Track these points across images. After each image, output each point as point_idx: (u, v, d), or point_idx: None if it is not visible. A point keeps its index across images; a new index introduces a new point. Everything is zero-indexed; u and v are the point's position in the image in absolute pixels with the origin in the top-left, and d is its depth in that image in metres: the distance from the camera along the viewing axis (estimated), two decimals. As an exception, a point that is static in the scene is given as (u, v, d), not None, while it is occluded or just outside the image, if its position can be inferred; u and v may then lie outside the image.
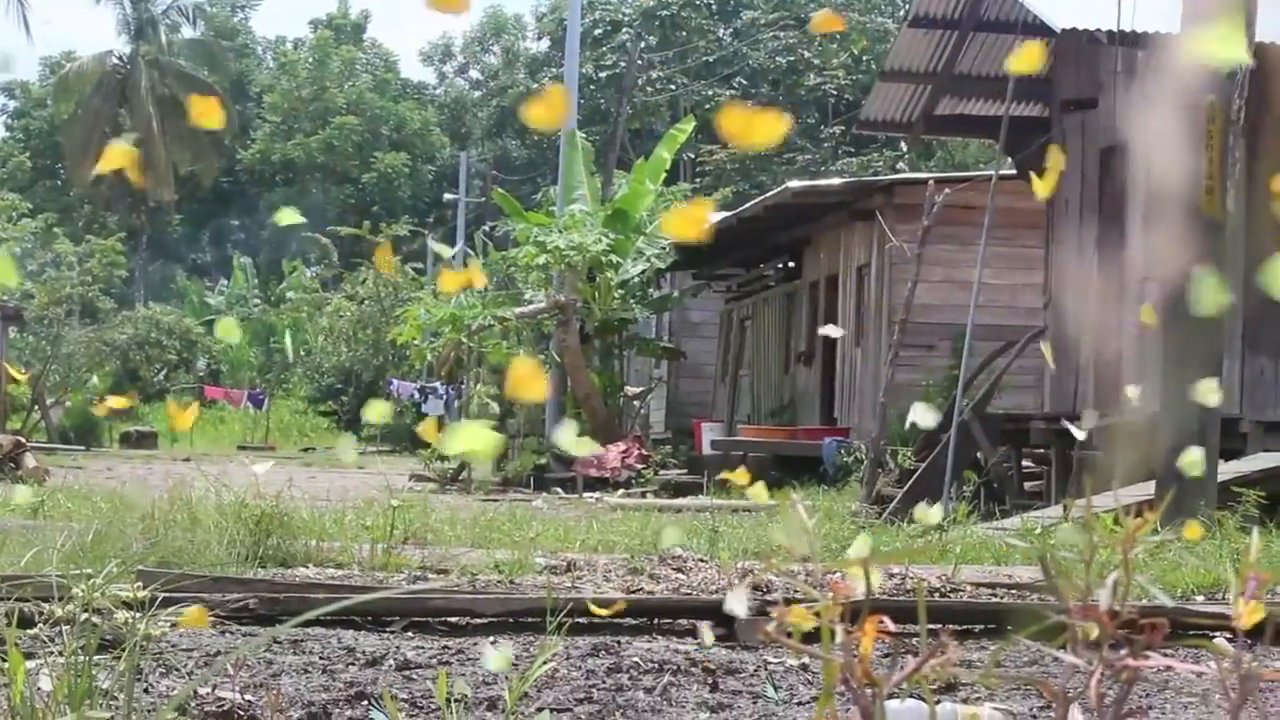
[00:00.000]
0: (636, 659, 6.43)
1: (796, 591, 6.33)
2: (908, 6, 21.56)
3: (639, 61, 54.22)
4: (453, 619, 7.42)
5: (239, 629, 7.01)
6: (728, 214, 30.23)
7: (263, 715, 5.06)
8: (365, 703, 5.36)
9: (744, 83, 62.74)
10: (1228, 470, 14.21)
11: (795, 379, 29.20)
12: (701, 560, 9.79)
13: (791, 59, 61.47)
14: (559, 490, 24.21)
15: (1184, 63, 13.38)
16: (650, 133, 57.18)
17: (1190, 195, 13.37)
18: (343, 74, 77.23)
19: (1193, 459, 2.49)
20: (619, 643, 6.95)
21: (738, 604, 2.41)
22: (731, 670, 6.27)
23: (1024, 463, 20.07)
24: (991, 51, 21.17)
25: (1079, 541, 2.39)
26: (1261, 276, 2.11)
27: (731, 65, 62.79)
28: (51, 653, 5.28)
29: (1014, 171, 20.96)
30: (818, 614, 2.36)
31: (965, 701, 5.45)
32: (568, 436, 2.21)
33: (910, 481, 17.23)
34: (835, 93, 60.37)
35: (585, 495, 23.02)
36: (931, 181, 19.04)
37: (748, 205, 28.10)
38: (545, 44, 71.14)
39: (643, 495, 22.72)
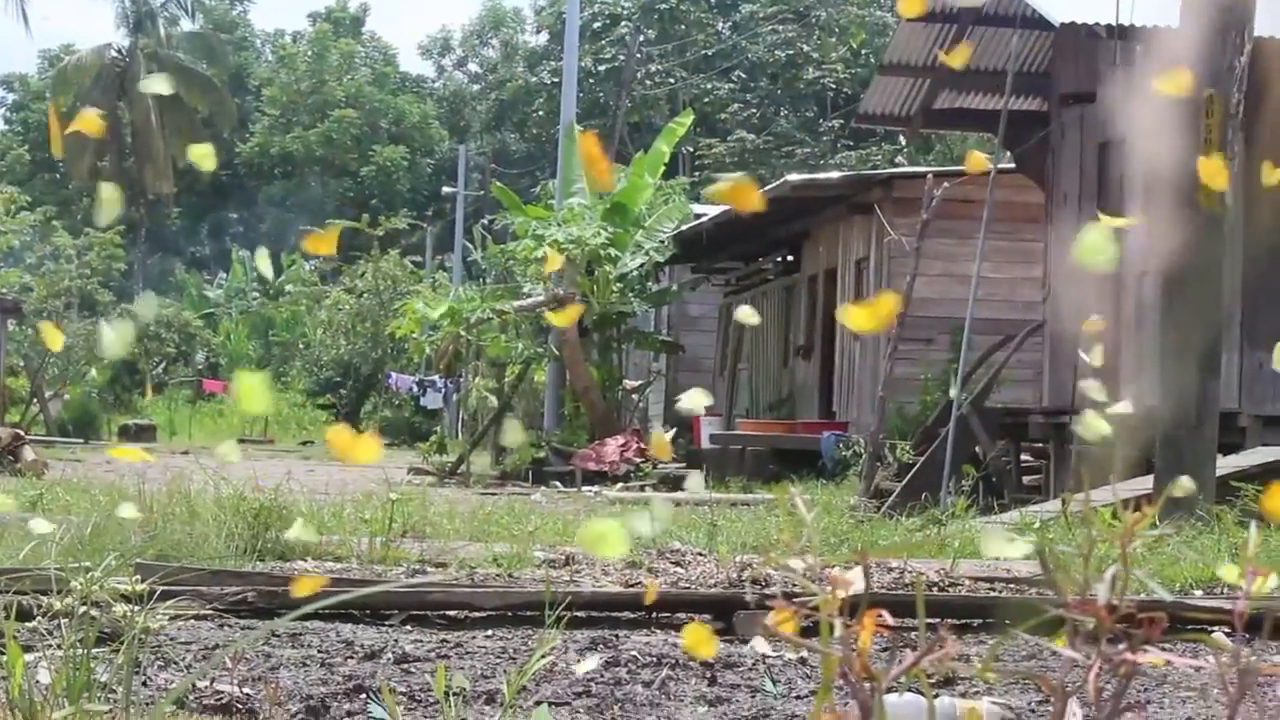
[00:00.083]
0: (635, 653, 6.43)
1: (795, 586, 6.34)
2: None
3: (638, 55, 54.23)
4: (451, 612, 7.42)
5: (237, 622, 7.01)
6: (726, 207, 30.21)
7: (261, 708, 5.06)
8: (364, 696, 5.35)
9: (743, 76, 62.69)
10: (1226, 464, 14.20)
11: (794, 373, 29.19)
12: (700, 554, 9.79)
13: (790, 52, 61.41)
14: (557, 484, 24.22)
15: (1183, 57, 13.37)
16: (649, 126, 57.12)
17: (1188, 189, 13.36)
18: (341, 67, 77.19)
19: (1091, 423, 2.50)
20: (617, 636, 6.95)
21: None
22: (730, 664, 6.27)
23: (1022, 457, 20.07)
24: (991, 46, 21.15)
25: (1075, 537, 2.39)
26: (1075, 248, 2.13)
27: (730, 59, 62.73)
28: (50, 646, 5.28)
29: (1013, 165, 20.97)
30: (816, 608, 2.36)
31: (964, 695, 5.45)
32: (514, 437, 2.25)
33: (909, 475, 17.23)
34: (834, 86, 60.31)
35: (584, 489, 23.02)
36: (930, 175, 19.03)
37: (747, 199, 28.05)
38: (544, 37, 71.05)
39: (641, 489, 22.72)
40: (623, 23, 62.21)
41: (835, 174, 30.12)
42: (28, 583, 6.01)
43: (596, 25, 62.63)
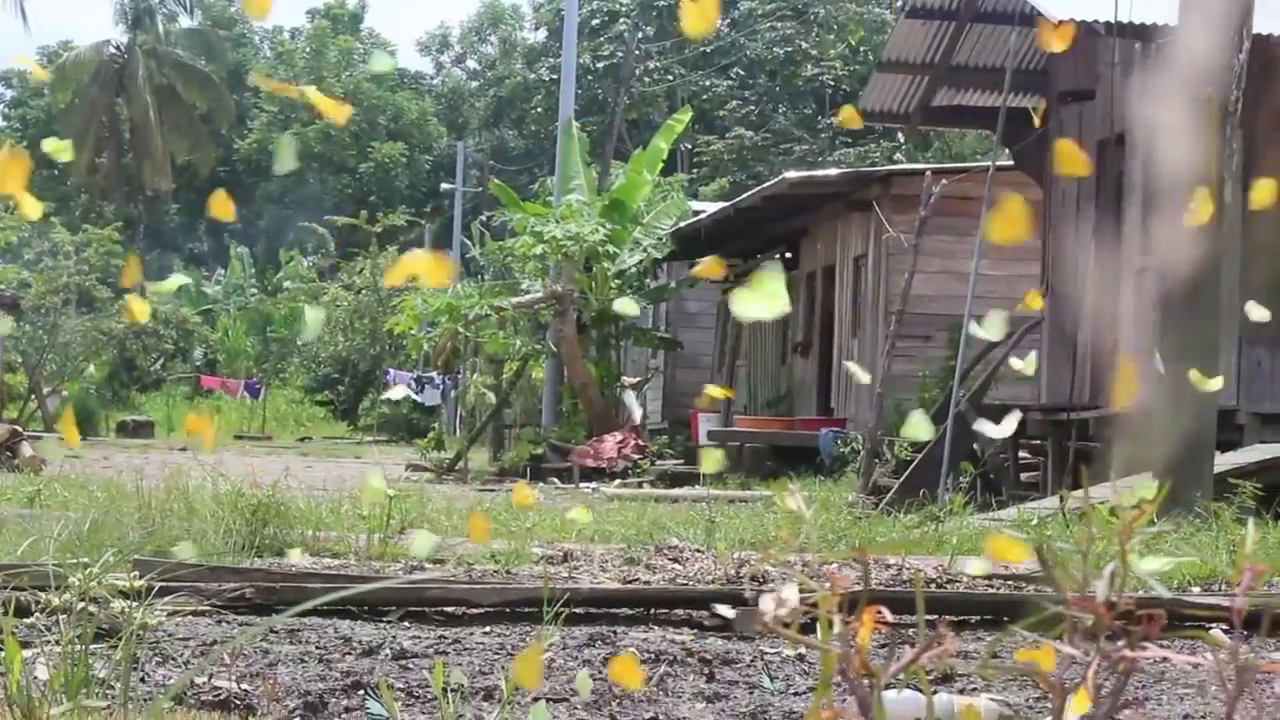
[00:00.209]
0: (633, 649, 6.43)
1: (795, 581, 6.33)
2: (905, -3, 21.55)
3: (636, 52, 54.20)
4: (449, 609, 7.41)
5: (235, 618, 7.01)
6: (724, 204, 30.23)
7: (259, 705, 5.06)
8: (362, 692, 5.35)
9: (741, 73, 62.69)
10: (1224, 462, 14.21)
11: (792, 369, 29.20)
12: (698, 550, 9.79)
13: (789, 49, 61.40)
14: (555, 480, 24.22)
15: (1181, 54, 13.38)
16: (647, 123, 57.11)
17: (1187, 187, 13.36)
18: (340, 64, 77.17)
19: (916, 422, 2.54)
20: (615, 633, 6.95)
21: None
22: (728, 661, 6.27)
23: (1020, 454, 20.07)
24: (989, 43, 21.15)
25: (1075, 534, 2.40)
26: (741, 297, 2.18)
27: (729, 56, 62.73)
28: (48, 642, 5.28)
29: (1011, 162, 20.96)
30: (815, 604, 2.36)
31: (962, 692, 5.45)
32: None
33: (907, 472, 17.24)
34: (833, 83, 60.30)
35: (581, 485, 23.03)
36: (929, 172, 19.03)
37: (745, 196, 28.09)
38: (543, 34, 71.05)
39: (639, 485, 22.72)
40: (621, 19, 62.20)
41: (833, 171, 30.15)
42: (26, 578, 6.01)
43: (595, 22, 62.64)
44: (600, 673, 5.93)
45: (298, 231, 68.11)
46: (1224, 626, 6.42)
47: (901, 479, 17.08)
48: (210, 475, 10.10)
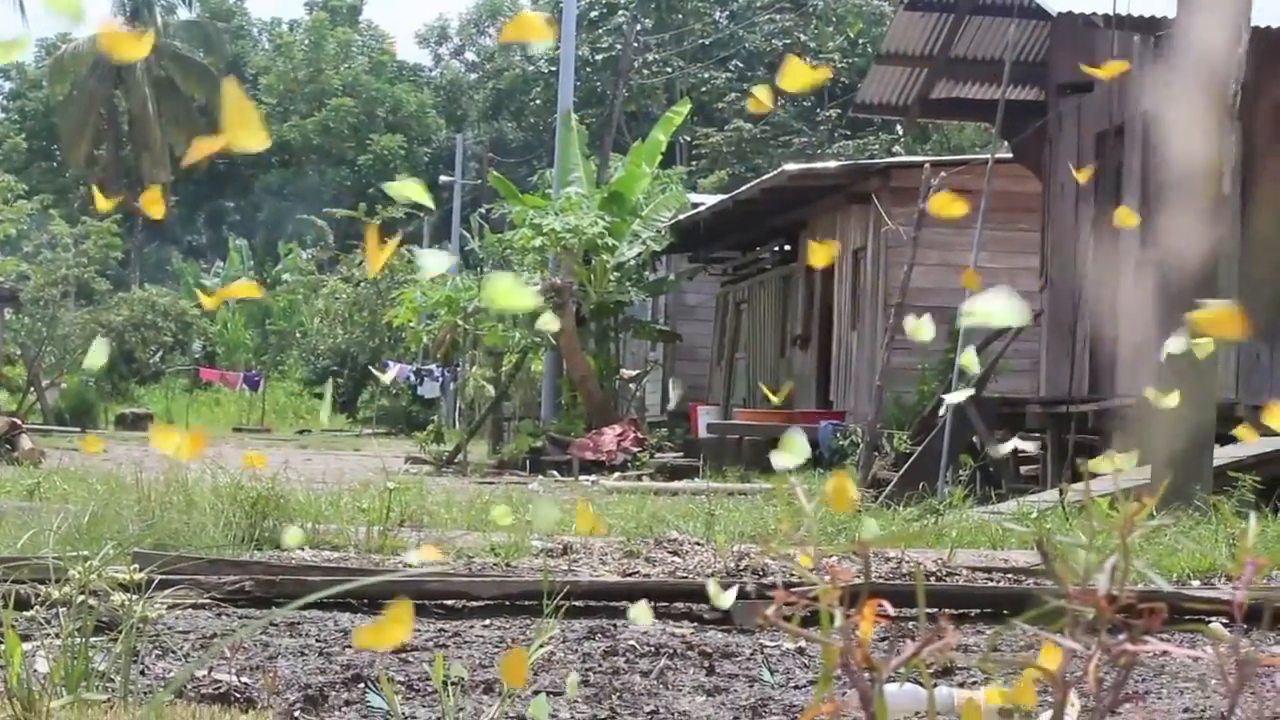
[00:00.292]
0: (633, 642, 6.43)
1: (794, 575, 6.33)
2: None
3: (635, 44, 54.15)
4: (449, 602, 7.41)
5: (235, 611, 7.01)
6: (723, 197, 30.23)
7: (259, 698, 5.06)
8: (362, 685, 5.35)
9: (740, 65, 62.67)
10: (1223, 455, 14.21)
11: (791, 362, 29.20)
12: (698, 543, 9.79)
13: (788, 42, 61.38)
14: (554, 473, 24.21)
15: (1182, 47, 13.37)
16: (646, 115, 57.13)
17: (1188, 179, 13.36)
18: (338, 56, 77.15)
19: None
20: (615, 626, 6.95)
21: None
22: (728, 654, 6.27)
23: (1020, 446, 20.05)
24: (988, 35, 21.15)
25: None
26: (486, 291, 2.16)
27: (728, 48, 62.72)
28: (48, 635, 5.28)
29: (1010, 155, 20.95)
30: (815, 598, 2.36)
31: (962, 685, 5.46)
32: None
33: (906, 465, 17.24)
34: (831, 76, 60.29)
35: (581, 478, 23.03)
36: (928, 165, 19.03)
37: (744, 188, 28.10)
38: (542, 27, 70.94)
39: (638, 478, 22.73)
40: (620, 11, 62.18)
41: (832, 163, 30.12)
42: (25, 571, 6.00)
43: (594, 14, 62.64)
44: (600, 666, 5.93)
45: (296, 224, 68.13)
46: (1224, 620, 6.43)
47: (901, 472, 17.08)
48: (209, 468, 10.09)
